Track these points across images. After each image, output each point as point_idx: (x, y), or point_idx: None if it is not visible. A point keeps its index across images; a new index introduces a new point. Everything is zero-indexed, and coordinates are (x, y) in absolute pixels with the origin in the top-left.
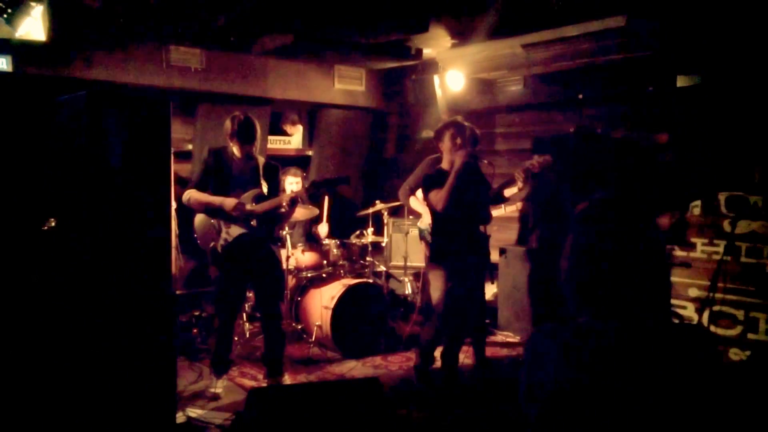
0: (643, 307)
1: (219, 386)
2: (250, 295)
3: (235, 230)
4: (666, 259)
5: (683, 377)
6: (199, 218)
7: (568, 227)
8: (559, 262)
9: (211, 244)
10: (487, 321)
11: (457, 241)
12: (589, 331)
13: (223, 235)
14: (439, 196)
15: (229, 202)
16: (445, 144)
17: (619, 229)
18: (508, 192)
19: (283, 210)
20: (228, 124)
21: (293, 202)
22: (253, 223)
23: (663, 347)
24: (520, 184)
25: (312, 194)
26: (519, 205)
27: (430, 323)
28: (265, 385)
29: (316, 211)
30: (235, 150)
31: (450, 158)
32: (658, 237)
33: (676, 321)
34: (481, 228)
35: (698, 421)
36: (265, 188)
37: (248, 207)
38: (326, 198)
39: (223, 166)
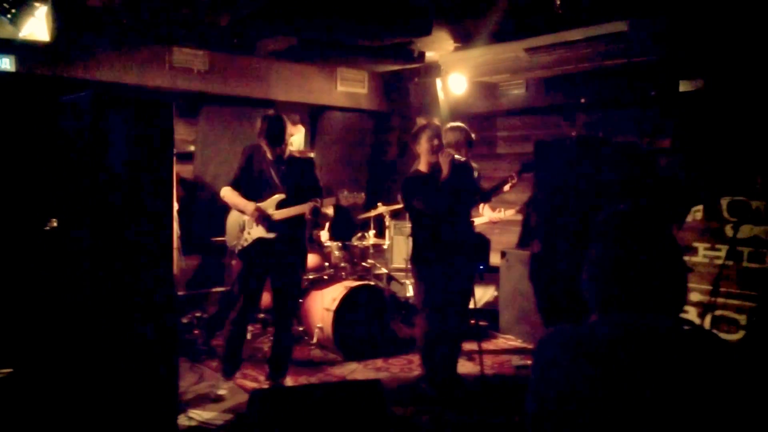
0: (663, 312)
1: (224, 388)
2: None
3: (256, 232)
4: (685, 266)
5: (698, 383)
6: (230, 218)
7: (569, 232)
8: (579, 266)
9: (234, 242)
10: (484, 323)
11: (439, 243)
12: (601, 333)
13: (245, 235)
14: (428, 202)
15: (250, 208)
16: (422, 146)
17: (644, 238)
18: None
19: (308, 218)
20: (258, 123)
21: (315, 212)
22: (271, 234)
23: (678, 352)
24: (514, 182)
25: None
26: (517, 208)
27: (420, 329)
28: (266, 386)
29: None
30: (266, 149)
31: (428, 160)
32: (677, 245)
33: (688, 327)
34: (475, 229)
35: (711, 426)
36: (293, 191)
37: (270, 212)
38: (331, 208)
39: (255, 165)
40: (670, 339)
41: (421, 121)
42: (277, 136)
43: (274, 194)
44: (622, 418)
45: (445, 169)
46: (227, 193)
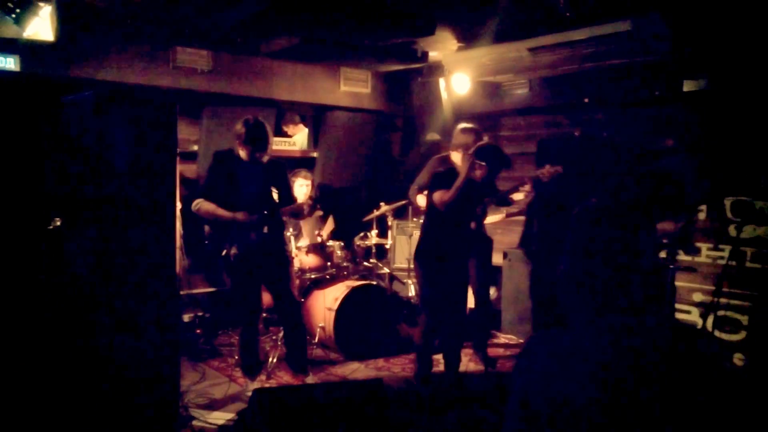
0: (637, 310)
1: (251, 390)
2: None
3: (247, 238)
4: (660, 265)
5: (684, 380)
6: (209, 231)
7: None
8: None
9: (224, 252)
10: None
11: (445, 241)
12: (588, 338)
13: (236, 243)
14: (445, 197)
15: (241, 216)
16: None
17: (610, 234)
18: (515, 197)
19: (304, 216)
20: (239, 127)
21: (313, 208)
22: (266, 230)
23: (661, 349)
24: (527, 189)
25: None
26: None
27: (420, 326)
28: (267, 386)
29: (320, 213)
30: (243, 154)
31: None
32: (651, 244)
33: (675, 323)
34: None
35: (699, 425)
36: (275, 194)
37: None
38: (331, 218)
39: (231, 170)
40: (657, 339)
41: (449, 121)
42: (261, 140)
43: (249, 199)
44: (619, 424)
45: (462, 173)
46: (204, 205)
